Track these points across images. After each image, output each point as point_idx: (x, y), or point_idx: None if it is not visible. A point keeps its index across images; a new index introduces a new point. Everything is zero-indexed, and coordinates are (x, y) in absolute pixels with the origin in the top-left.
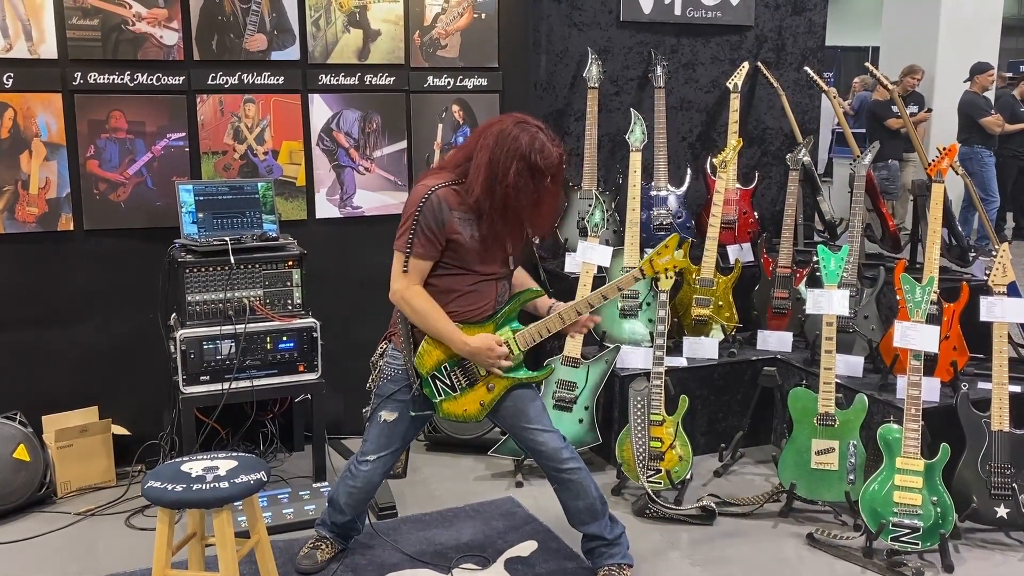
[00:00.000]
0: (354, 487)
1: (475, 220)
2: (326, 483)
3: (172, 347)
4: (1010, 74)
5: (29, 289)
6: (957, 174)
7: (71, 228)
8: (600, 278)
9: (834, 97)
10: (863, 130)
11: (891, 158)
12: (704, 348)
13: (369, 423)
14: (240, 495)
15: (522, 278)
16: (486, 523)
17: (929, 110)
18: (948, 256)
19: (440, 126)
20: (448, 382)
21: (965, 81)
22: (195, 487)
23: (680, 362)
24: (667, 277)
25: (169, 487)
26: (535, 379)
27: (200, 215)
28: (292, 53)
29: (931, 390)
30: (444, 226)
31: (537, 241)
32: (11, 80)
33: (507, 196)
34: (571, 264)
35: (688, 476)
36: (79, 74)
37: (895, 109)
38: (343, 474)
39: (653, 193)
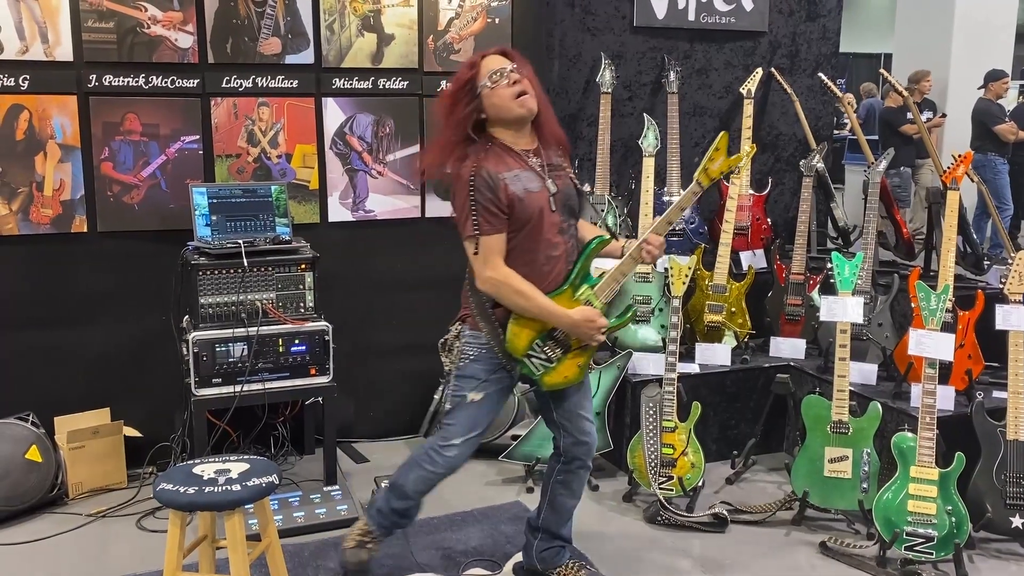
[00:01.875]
0: (433, 473)
1: (517, 172)
2: (337, 487)
3: (184, 349)
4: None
5: (42, 291)
6: (972, 181)
7: (85, 230)
8: None
9: (848, 104)
10: (874, 137)
11: (903, 165)
12: (717, 354)
13: (451, 406)
14: (252, 498)
15: (588, 229)
16: (495, 527)
17: (943, 115)
18: (963, 264)
19: None
20: (543, 356)
21: (979, 88)
22: (207, 489)
23: (692, 368)
24: (726, 180)
25: (181, 489)
26: (623, 324)
27: (213, 218)
28: (306, 57)
29: (946, 398)
30: (499, 191)
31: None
32: (27, 82)
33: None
34: None
35: (700, 483)
36: (94, 76)
37: (909, 115)
38: (416, 461)
39: (666, 198)
